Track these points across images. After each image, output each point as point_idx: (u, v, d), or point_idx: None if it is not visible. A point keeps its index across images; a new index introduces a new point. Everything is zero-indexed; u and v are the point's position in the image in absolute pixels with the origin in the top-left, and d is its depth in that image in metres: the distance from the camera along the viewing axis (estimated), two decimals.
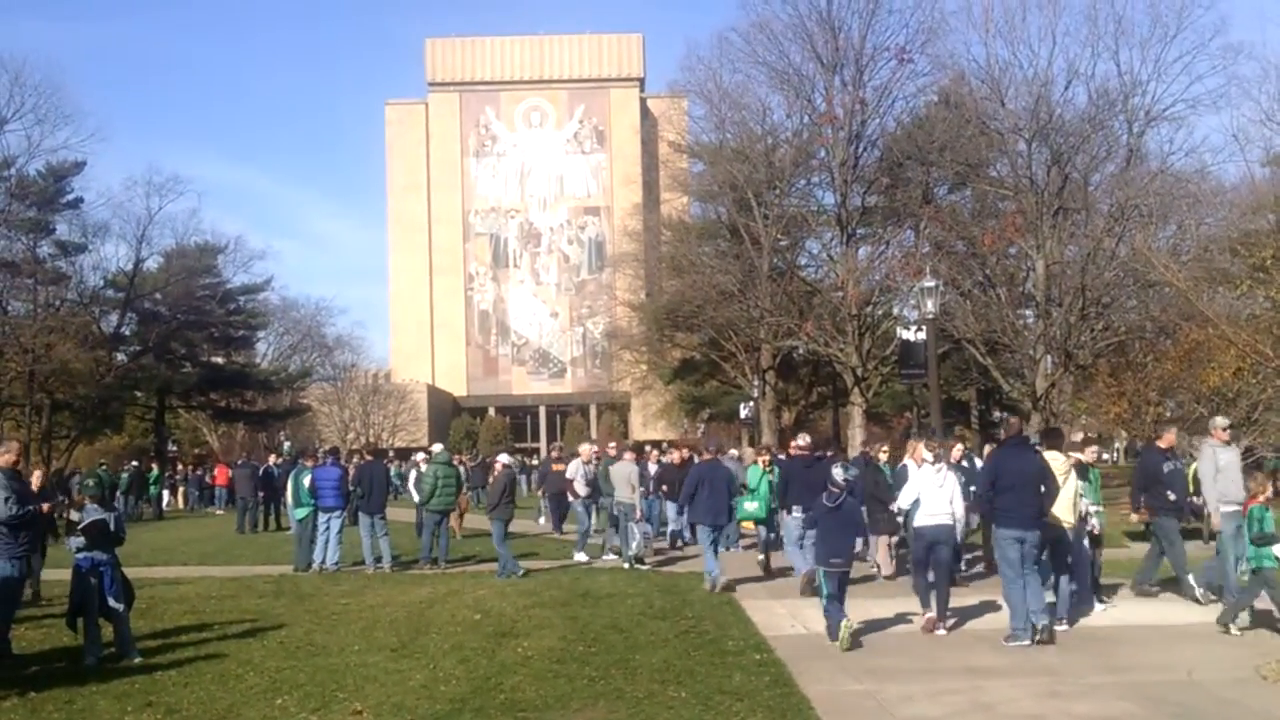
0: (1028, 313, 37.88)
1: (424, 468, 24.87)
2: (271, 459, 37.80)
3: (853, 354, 41.88)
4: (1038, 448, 13.47)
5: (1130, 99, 38.69)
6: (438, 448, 24.07)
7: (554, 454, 28.25)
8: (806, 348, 46.11)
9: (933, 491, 13.04)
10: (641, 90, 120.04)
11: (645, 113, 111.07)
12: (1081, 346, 35.49)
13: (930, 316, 25.64)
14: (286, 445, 44.62)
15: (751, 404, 52.40)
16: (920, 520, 13.16)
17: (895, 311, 42.36)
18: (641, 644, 12.16)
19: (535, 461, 58.94)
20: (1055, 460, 13.14)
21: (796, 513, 16.30)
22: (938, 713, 9.21)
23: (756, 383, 49.64)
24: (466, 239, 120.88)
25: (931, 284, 25.49)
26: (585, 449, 24.01)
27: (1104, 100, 38.31)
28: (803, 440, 18.30)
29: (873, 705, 9.54)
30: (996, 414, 67.26)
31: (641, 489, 21.51)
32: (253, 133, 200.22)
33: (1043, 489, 12.40)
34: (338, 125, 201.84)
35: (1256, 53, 65.79)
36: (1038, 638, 11.87)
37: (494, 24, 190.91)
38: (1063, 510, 13.13)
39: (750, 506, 18.19)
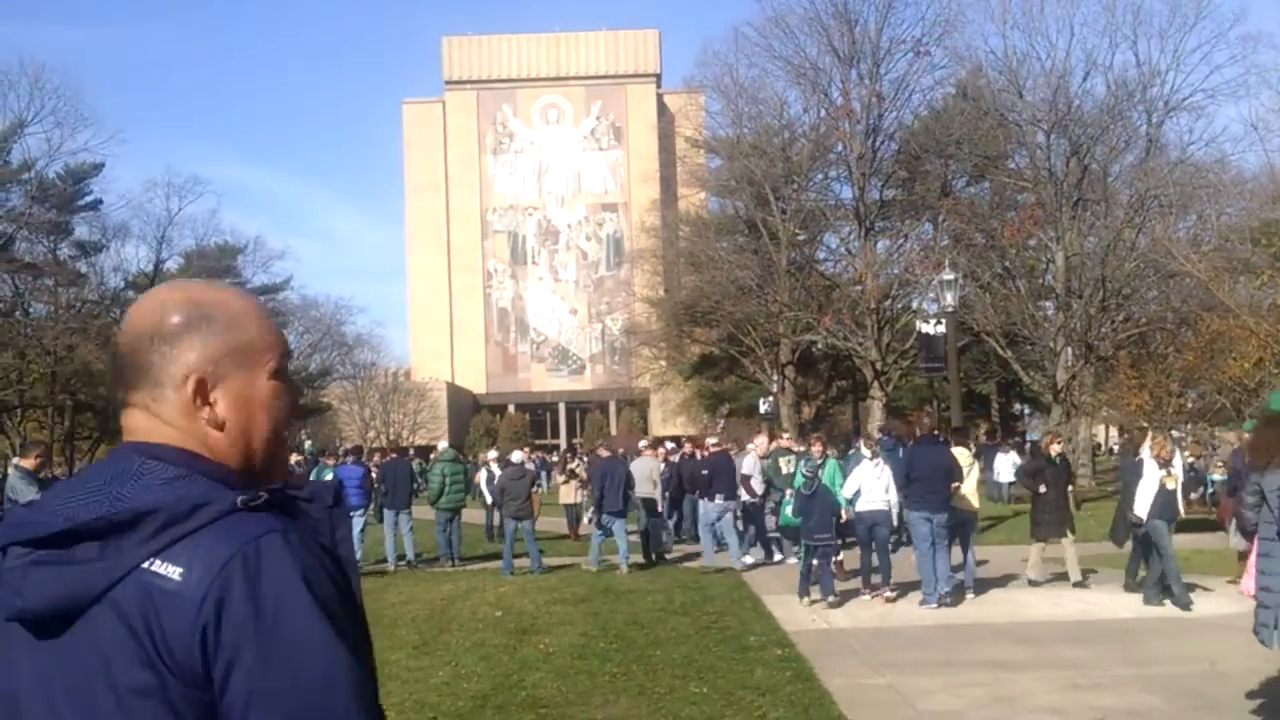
0: (1048, 305, 37.85)
1: (494, 468, 24.71)
2: (292, 458, 37.92)
3: (872, 348, 41.82)
4: (946, 443, 15.89)
5: (1149, 89, 38.65)
6: (443, 445, 24.09)
7: (601, 452, 27.97)
8: (825, 342, 46.06)
9: (871, 482, 15.21)
10: (658, 86, 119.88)
11: (662, 109, 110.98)
12: (1102, 338, 35.45)
13: (950, 309, 25.63)
14: (307, 444, 44.70)
15: (771, 399, 52.37)
16: (861, 506, 15.25)
17: (914, 305, 42.37)
18: (663, 640, 12.17)
19: (554, 458, 58.88)
20: (962, 454, 15.72)
21: (719, 499, 18.91)
22: (959, 706, 9.20)
23: (776, 377, 49.60)
24: (485, 237, 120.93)
25: (951, 277, 25.46)
26: (760, 441, 21.74)
27: (1123, 91, 38.27)
28: (711, 441, 22.46)
29: (894, 698, 9.54)
30: (1017, 407, 67.25)
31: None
32: (271, 133, 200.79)
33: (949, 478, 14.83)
34: (355, 124, 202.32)
35: (1276, 42, 65.51)
36: (945, 602, 14.09)
37: (510, 22, 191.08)
38: (970, 494, 15.59)
39: (790, 512, 17.18)
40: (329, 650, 1.56)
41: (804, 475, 15.47)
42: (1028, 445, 55.92)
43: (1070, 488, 16.93)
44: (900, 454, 19.48)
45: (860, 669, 10.75)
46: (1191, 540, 18.17)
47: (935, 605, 14.05)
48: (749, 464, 20.54)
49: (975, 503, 15.79)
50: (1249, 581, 8.21)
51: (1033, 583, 15.59)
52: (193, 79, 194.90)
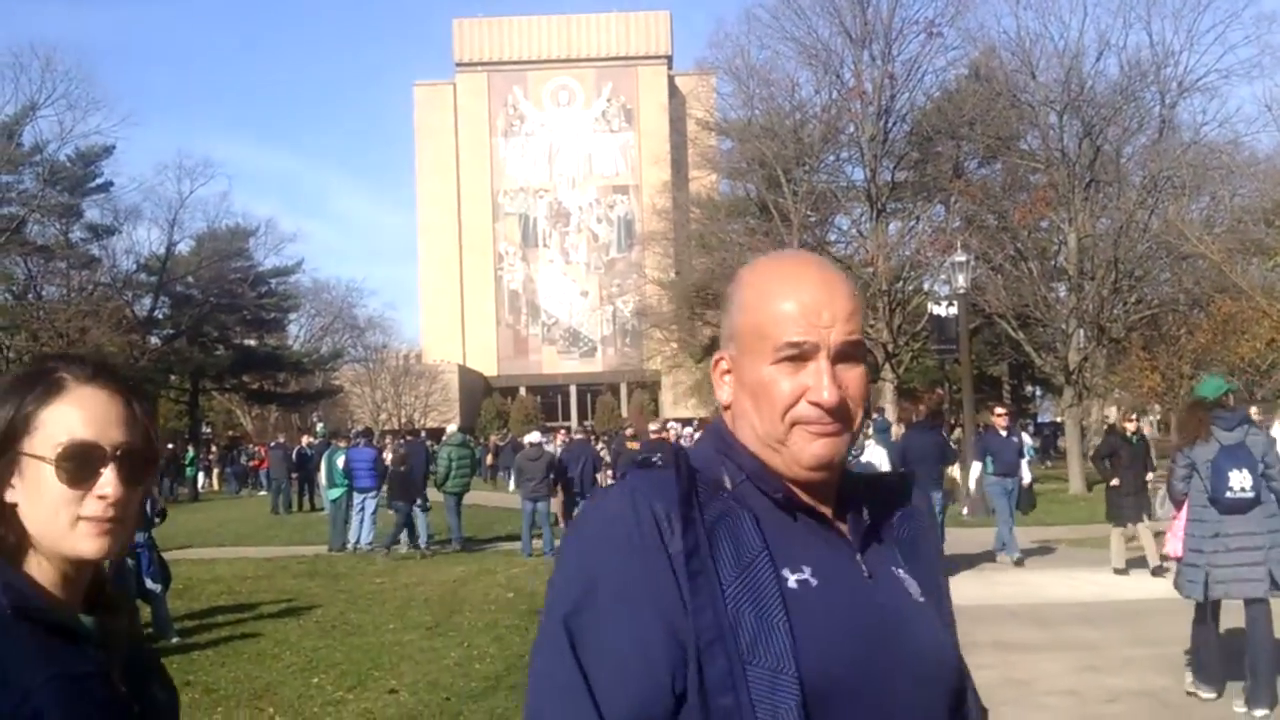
0: (1060, 286, 37.71)
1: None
2: (305, 440, 37.97)
3: (883, 330, 41.74)
4: (938, 428, 17.69)
5: (1162, 70, 38.41)
6: (452, 428, 24.13)
7: (627, 431, 27.87)
8: None
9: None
10: (669, 68, 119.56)
11: (673, 90, 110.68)
12: (1114, 320, 35.32)
13: (961, 291, 25.59)
14: (319, 426, 44.81)
15: None
16: None
17: (926, 287, 42.30)
18: None
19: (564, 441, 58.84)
20: None
21: None
22: None
23: None
24: (496, 219, 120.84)
25: (963, 259, 25.43)
26: None
27: (1136, 71, 38.05)
28: (629, 431, 23.60)
29: None
30: (1029, 388, 67.17)
31: None
32: (282, 115, 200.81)
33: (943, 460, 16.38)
34: (367, 106, 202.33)
35: None
36: None
37: (521, 3, 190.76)
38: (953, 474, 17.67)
39: None
40: (545, 618, 1.62)
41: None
42: (1031, 426, 55.99)
43: (1150, 473, 16.40)
44: (889, 436, 20.28)
45: None
46: None
47: None
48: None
49: (959, 481, 17.45)
50: (1175, 543, 9.48)
51: (1118, 571, 15.12)
52: (203, 62, 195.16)
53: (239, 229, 67.51)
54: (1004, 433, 17.24)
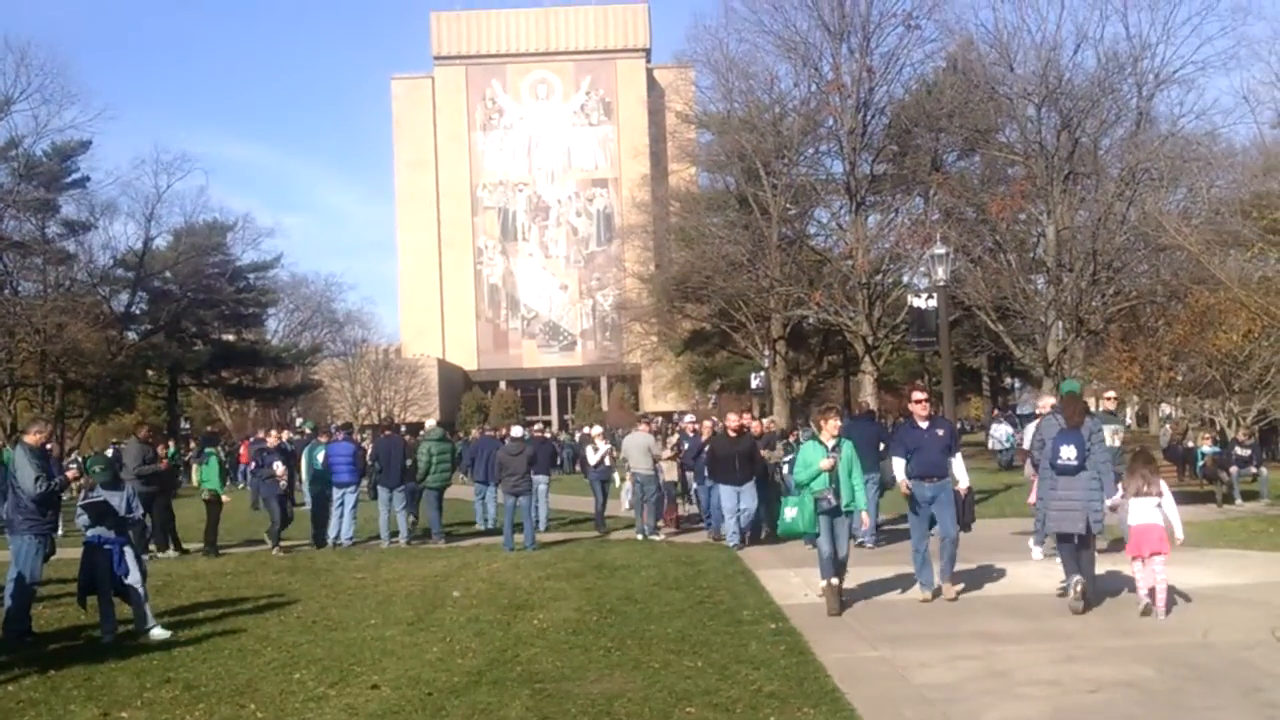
0: (1039, 279, 37.87)
1: (599, 443, 23.96)
2: (285, 435, 37.77)
3: (863, 322, 41.86)
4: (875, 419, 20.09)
5: (1139, 62, 38.59)
6: (431, 423, 24.03)
7: (643, 427, 27.45)
8: (817, 317, 46.10)
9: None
10: (648, 61, 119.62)
11: (652, 84, 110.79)
12: (1093, 312, 35.47)
13: (941, 284, 25.63)
14: (300, 421, 44.65)
15: (762, 374, 52.41)
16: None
17: (905, 279, 42.46)
18: (656, 614, 12.18)
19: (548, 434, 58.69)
20: None
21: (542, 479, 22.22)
22: (953, 678, 9.21)
23: (767, 353, 49.62)
24: (475, 213, 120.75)
25: (942, 251, 25.47)
26: (1045, 402, 16.65)
27: (1113, 64, 38.22)
28: (538, 424, 24.13)
29: (888, 671, 9.55)
30: (1008, 380, 67.44)
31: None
32: (260, 109, 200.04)
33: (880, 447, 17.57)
34: (345, 100, 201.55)
35: (1266, 13, 65.44)
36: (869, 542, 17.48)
37: None
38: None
39: (790, 515, 12.92)
40: None
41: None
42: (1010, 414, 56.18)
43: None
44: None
45: (854, 642, 10.76)
46: (1185, 514, 18.17)
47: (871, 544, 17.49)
48: (1031, 433, 15.04)
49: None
50: (1032, 495, 13.90)
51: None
52: (180, 55, 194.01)
53: (217, 224, 67.31)
54: (923, 424, 13.40)
